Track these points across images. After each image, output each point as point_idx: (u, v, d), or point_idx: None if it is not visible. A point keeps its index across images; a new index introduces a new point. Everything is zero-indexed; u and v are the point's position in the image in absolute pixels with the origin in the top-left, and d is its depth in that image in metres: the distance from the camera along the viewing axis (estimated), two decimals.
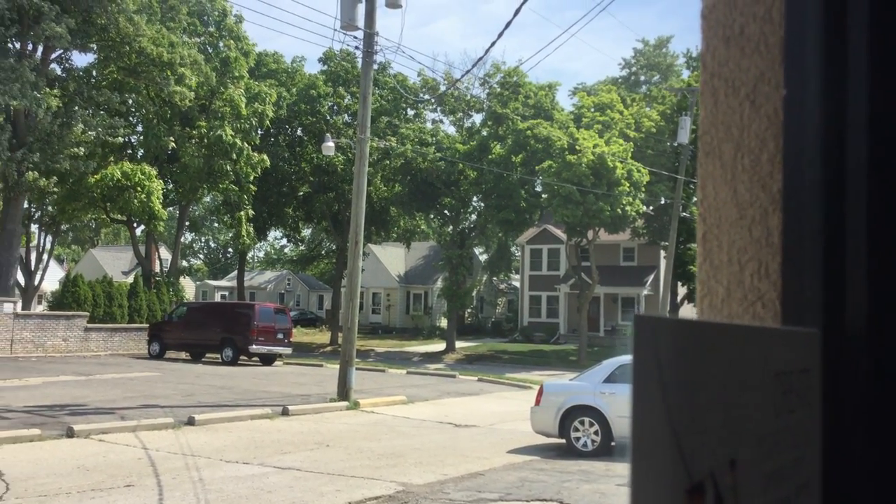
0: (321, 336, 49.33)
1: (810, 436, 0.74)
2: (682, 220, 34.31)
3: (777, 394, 0.66)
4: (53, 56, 33.40)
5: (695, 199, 40.40)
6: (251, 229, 41.67)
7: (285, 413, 16.58)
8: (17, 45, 31.71)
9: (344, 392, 18.61)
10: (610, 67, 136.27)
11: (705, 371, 0.57)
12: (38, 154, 30.52)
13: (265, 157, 39.67)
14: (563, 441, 13.46)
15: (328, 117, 43.78)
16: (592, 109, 37.72)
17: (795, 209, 0.84)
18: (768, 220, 0.87)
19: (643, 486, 0.50)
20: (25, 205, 36.44)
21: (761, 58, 0.89)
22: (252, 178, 39.45)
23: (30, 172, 30.74)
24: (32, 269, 44.91)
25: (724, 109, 0.92)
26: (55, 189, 34.53)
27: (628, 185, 32.99)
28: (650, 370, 0.51)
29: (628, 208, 33.23)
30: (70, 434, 12.93)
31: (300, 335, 44.06)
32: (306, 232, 58.18)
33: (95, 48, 34.42)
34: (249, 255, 65.61)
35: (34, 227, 46.48)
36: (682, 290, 40.87)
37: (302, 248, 61.08)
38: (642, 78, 66.46)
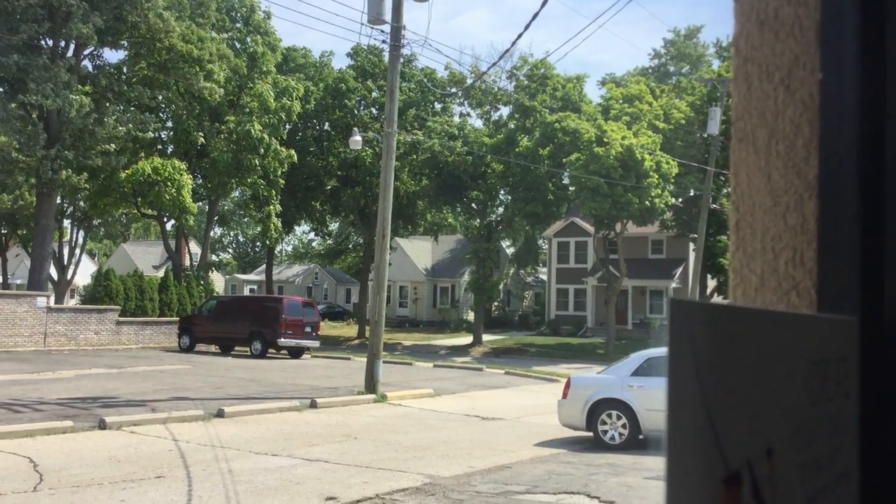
0: (348, 329, 49.59)
1: (848, 425, 0.72)
2: (712, 212, 33.96)
3: (813, 382, 0.65)
4: (85, 53, 33.82)
5: (725, 190, 40.24)
6: (279, 223, 41.94)
7: (313, 406, 16.69)
8: (50, 43, 32.15)
9: (371, 385, 18.69)
10: (639, 58, 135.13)
11: (741, 357, 0.56)
12: (72, 152, 30.96)
13: (293, 152, 39.89)
14: (591, 434, 13.41)
15: (356, 111, 43.92)
16: (621, 101, 37.44)
17: (832, 196, 0.82)
18: (804, 207, 0.86)
19: (679, 474, 0.49)
20: (58, 200, 37.00)
21: (796, 42, 0.87)
22: (280, 172, 39.69)
23: (64, 171, 31.22)
24: (65, 263, 45.64)
25: (758, 95, 0.91)
26: (87, 185, 35.01)
27: (657, 177, 32.72)
28: (686, 355, 0.50)
29: (657, 200, 32.96)
30: (102, 426, 13.12)
31: (328, 328, 44.32)
32: (333, 226, 58.43)
33: (126, 45, 34.80)
34: (277, 249, 66.11)
35: (66, 223, 47.23)
36: (711, 283, 40.50)
37: (329, 242, 61.37)
38: (672, 69, 65.84)
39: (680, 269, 43.79)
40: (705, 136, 33.87)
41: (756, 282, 0.89)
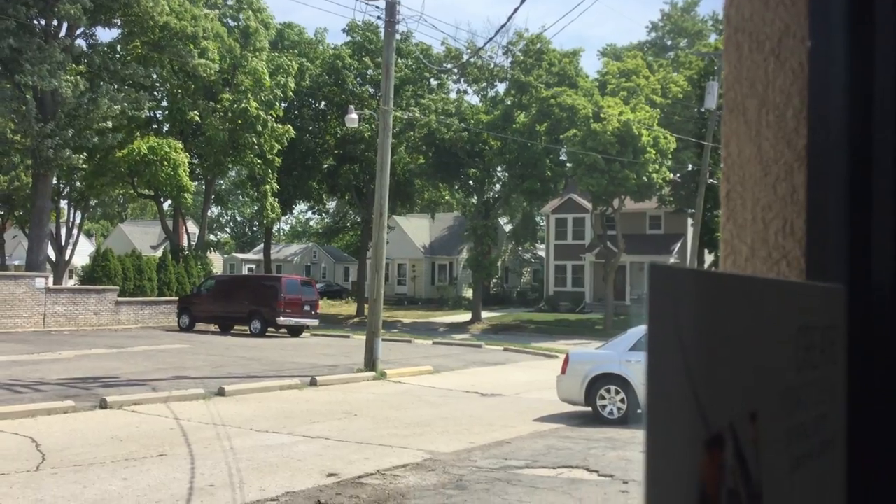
0: (347, 307, 49.68)
1: (835, 392, 0.73)
2: (710, 187, 33.93)
3: (799, 348, 0.66)
4: (78, 32, 33.56)
5: (722, 165, 40.21)
6: (276, 203, 41.87)
7: (313, 383, 16.77)
8: (43, 23, 31.89)
9: (371, 362, 18.77)
10: (636, 32, 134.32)
11: (725, 323, 0.56)
12: (71, 131, 30.84)
13: (289, 127, 39.73)
14: (589, 409, 13.50)
15: (353, 88, 43.69)
16: (618, 76, 37.25)
17: (821, 165, 0.82)
18: (794, 176, 0.86)
19: (659, 439, 0.50)
20: (54, 181, 36.88)
21: (786, 10, 0.87)
22: (276, 150, 39.56)
23: (67, 150, 31.11)
24: (63, 244, 45.59)
25: (748, 65, 0.90)
26: (84, 165, 34.90)
27: (654, 152, 32.64)
28: (666, 319, 0.51)
29: (654, 176, 32.91)
30: (103, 405, 13.19)
31: (326, 307, 44.41)
32: (331, 205, 58.36)
33: (119, 23, 34.53)
34: (275, 228, 66.03)
35: (63, 203, 47.11)
36: (708, 258, 40.55)
37: (327, 220, 61.34)
38: (669, 42, 65.46)
39: (678, 245, 43.82)
40: (703, 110, 33.74)
41: (746, 252, 0.89)
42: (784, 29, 0.88)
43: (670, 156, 33.96)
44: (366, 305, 29.18)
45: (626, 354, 13.31)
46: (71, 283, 45.99)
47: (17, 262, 58.26)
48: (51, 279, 33.51)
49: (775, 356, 0.63)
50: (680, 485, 0.52)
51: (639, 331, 13.91)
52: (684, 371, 0.52)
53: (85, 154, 33.37)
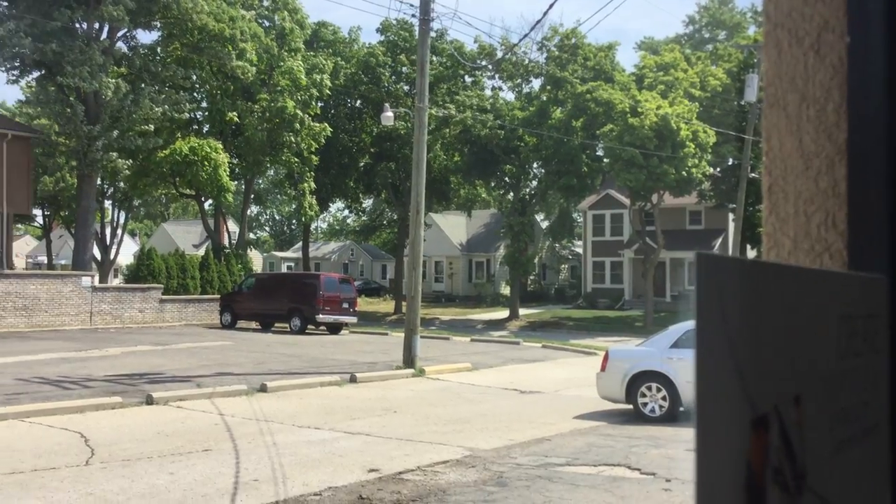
0: (385, 305, 49.93)
1: (877, 380, 0.74)
2: (751, 181, 33.41)
3: (842, 336, 0.67)
4: (119, 35, 34.20)
5: (764, 158, 39.39)
6: (314, 201, 42.23)
7: (353, 380, 16.90)
8: (84, 26, 32.56)
9: (409, 359, 18.85)
10: (673, 26, 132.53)
11: (769, 310, 0.59)
12: (116, 133, 31.50)
13: (326, 125, 40.05)
14: (630, 407, 13.40)
15: (387, 86, 43.87)
16: (655, 69, 36.84)
17: (861, 159, 0.83)
18: (835, 170, 0.87)
19: (709, 418, 0.52)
20: (98, 182, 37.66)
21: (825, 6, 0.88)
22: (314, 149, 39.92)
23: (113, 153, 31.80)
24: (108, 243, 46.55)
25: (788, 60, 0.92)
26: (127, 170, 35.60)
27: (694, 146, 32.24)
28: (713, 306, 0.53)
29: (694, 170, 32.50)
30: (149, 401, 13.44)
31: (364, 304, 44.68)
32: (367, 203, 58.71)
33: (159, 25, 35.12)
34: (313, 226, 66.61)
35: (107, 204, 48.09)
36: (751, 254, 39.97)
37: (364, 218, 61.71)
38: (707, 35, 64.58)
39: (719, 240, 43.27)
40: (743, 103, 33.23)
41: (789, 245, 0.91)
42: (823, 24, 0.89)
43: (710, 150, 33.51)
44: (404, 303, 29.32)
45: (667, 351, 13.19)
46: (116, 281, 46.94)
47: (63, 262, 59.64)
48: (97, 278, 34.22)
49: (818, 343, 0.65)
50: (728, 462, 0.54)
51: (680, 328, 13.78)
52: (731, 355, 0.55)
53: (129, 160, 34.08)
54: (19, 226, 62.35)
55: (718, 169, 38.32)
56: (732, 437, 0.54)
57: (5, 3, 31.18)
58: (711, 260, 0.56)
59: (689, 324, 14.03)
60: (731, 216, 38.50)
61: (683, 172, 32.23)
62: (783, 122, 0.92)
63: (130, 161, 34.25)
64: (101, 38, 32.68)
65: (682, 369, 12.87)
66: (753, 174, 34.34)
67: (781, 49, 0.93)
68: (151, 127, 33.71)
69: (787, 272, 0.64)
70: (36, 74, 32.91)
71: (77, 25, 32.13)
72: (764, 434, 0.56)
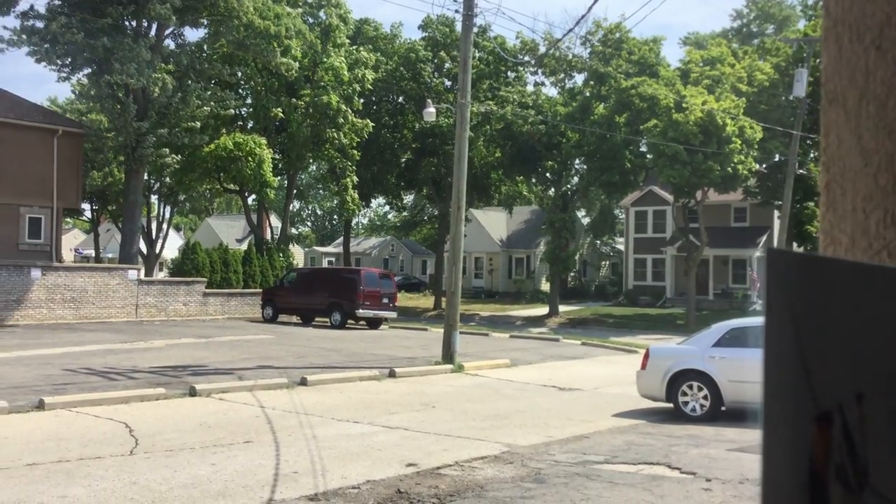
0: (425, 300, 50.07)
1: None
2: (799, 178, 32.79)
3: None
4: (167, 32, 34.77)
5: (812, 154, 38.51)
6: (356, 196, 42.52)
7: (392, 375, 16.99)
8: (133, 24, 33.17)
9: (448, 355, 18.89)
10: (720, 20, 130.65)
11: (834, 306, 0.58)
12: (165, 129, 32.07)
13: (368, 121, 40.28)
14: (671, 405, 13.26)
15: (429, 82, 43.95)
16: (701, 64, 36.33)
17: None
18: (895, 167, 0.86)
19: (775, 412, 0.52)
20: (145, 177, 38.37)
21: (888, 1, 0.87)
22: (356, 143, 40.19)
23: (162, 149, 32.41)
24: (153, 237, 47.41)
25: (848, 56, 0.90)
26: (176, 165, 36.19)
27: (740, 142, 31.74)
28: (781, 302, 0.53)
29: (739, 167, 32.00)
30: (192, 393, 13.68)
31: (404, 300, 44.88)
32: (408, 199, 58.90)
33: (206, 23, 35.62)
34: (354, 221, 67.03)
35: (154, 198, 48.98)
36: (797, 251, 39.22)
37: (405, 214, 61.97)
38: (755, 29, 63.48)
39: (764, 238, 42.56)
40: (791, 98, 32.61)
41: (847, 242, 0.89)
42: (885, 20, 0.88)
43: (756, 146, 32.95)
44: (443, 298, 29.36)
45: (709, 350, 13.03)
46: (161, 275, 47.80)
47: (110, 255, 60.89)
48: (142, 271, 34.88)
49: (881, 340, 0.64)
50: (793, 457, 0.54)
51: (723, 326, 13.61)
52: (797, 350, 0.54)
53: (178, 155, 34.66)
54: (68, 220, 63.84)
55: (765, 165, 37.68)
56: (797, 431, 0.53)
57: (58, 1, 31.90)
58: (780, 256, 0.56)
59: (732, 322, 13.85)
60: (776, 213, 37.84)
61: (729, 169, 31.75)
62: (842, 119, 0.91)
63: (179, 156, 34.84)
64: (149, 36, 33.27)
65: (725, 368, 12.71)
66: (801, 170, 33.70)
67: (841, 45, 0.92)
68: (198, 124, 34.22)
69: (852, 268, 0.63)
70: (86, 71, 33.61)
71: (126, 23, 32.74)
72: (827, 430, 0.56)
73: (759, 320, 14.13)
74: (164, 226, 49.17)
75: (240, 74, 39.16)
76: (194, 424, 11.33)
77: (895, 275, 0.65)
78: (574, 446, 10.62)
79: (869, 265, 0.69)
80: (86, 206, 52.31)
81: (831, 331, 0.59)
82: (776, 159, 37.29)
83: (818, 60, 31.40)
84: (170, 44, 35.46)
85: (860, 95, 0.89)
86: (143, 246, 42.54)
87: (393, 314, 31.22)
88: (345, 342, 23.87)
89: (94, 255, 59.94)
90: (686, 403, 13.08)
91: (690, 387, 13.08)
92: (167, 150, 32.76)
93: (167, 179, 43.66)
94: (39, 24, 31.43)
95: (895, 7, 0.86)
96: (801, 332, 0.56)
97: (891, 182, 0.86)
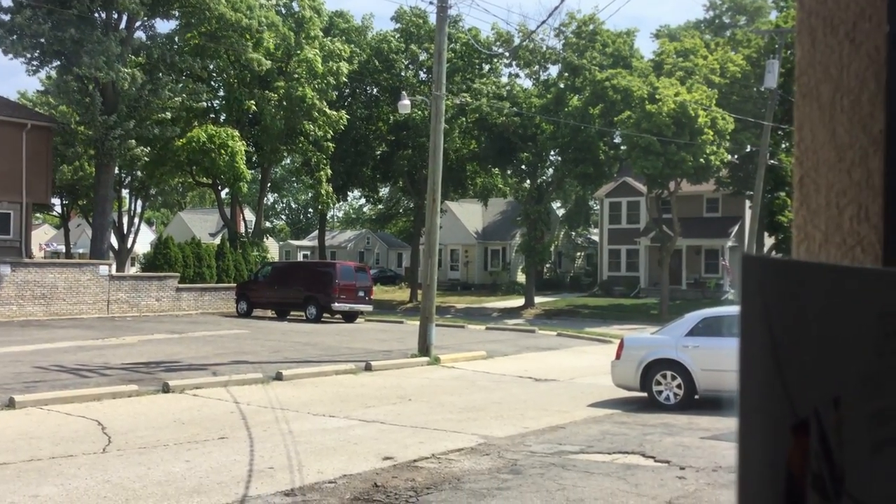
0: (401, 293, 50.02)
1: None
2: (770, 168, 33.12)
3: (880, 335, 0.66)
4: (137, 24, 34.31)
5: (784, 145, 38.78)
6: (330, 189, 42.31)
7: (368, 368, 16.96)
8: (103, 16, 32.68)
9: (424, 348, 18.90)
10: (693, 11, 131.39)
11: (808, 309, 0.57)
12: (133, 122, 31.64)
13: (343, 113, 40.06)
14: (645, 395, 13.38)
15: (402, 74, 43.81)
16: (674, 55, 36.54)
17: None
18: (869, 161, 0.85)
19: (750, 423, 0.51)
20: (116, 171, 37.87)
21: None
22: (329, 136, 39.97)
23: (129, 142, 31.97)
24: (125, 232, 46.87)
25: (823, 49, 0.90)
26: (146, 157, 35.78)
27: (712, 133, 31.99)
28: (756, 308, 0.52)
29: (712, 158, 32.27)
30: (166, 389, 13.55)
31: (380, 293, 44.79)
32: (384, 191, 58.73)
33: (177, 14, 35.18)
34: (329, 214, 66.71)
35: (125, 192, 48.39)
36: (768, 241, 39.70)
37: (380, 206, 61.81)
38: (727, 20, 63.91)
39: (736, 228, 43.00)
40: (762, 89, 32.92)
41: (820, 238, 0.89)
42: (859, 12, 0.87)
43: (728, 137, 33.24)
44: (419, 291, 29.35)
45: (683, 340, 13.15)
46: (133, 270, 47.28)
47: (81, 251, 60.12)
48: (114, 266, 34.47)
49: (857, 342, 0.63)
50: (769, 467, 0.53)
51: (696, 316, 13.73)
52: (773, 357, 0.53)
53: (148, 148, 34.25)
54: (38, 215, 62.90)
55: (736, 156, 38.03)
56: (773, 442, 0.52)
57: None
58: (755, 262, 0.55)
59: (705, 312, 13.98)
60: (748, 203, 38.24)
61: (701, 160, 32.01)
62: (816, 113, 0.90)
63: (148, 149, 34.42)
64: (119, 28, 32.80)
65: (698, 357, 12.84)
66: (772, 161, 34.04)
67: (815, 38, 0.91)
68: (168, 115, 33.82)
69: (825, 272, 0.62)
70: (55, 64, 33.08)
71: (95, 15, 32.24)
72: (804, 439, 0.55)
73: (731, 309, 14.25)
74: (136, 220, 48.61)
75: (212, 66, 38.74)
76: (168, 421, 11.23)
77: (868, 276, 0.64)
78: (550, 437, 10.67)
79: (841, 267, 0.68)
80: (56, 200, 51.57)
81: (807, 335, 0.58)
82: (748, 150, 37.65)
83: (790, 52, 31.70)
84: (140, 36, 35.02)
85: (834, 89, 0.88)
86: (114, 241, 42.03)
87: (369, 307, 31.15)
88: (320, 336, 23.78)
89: (64, 250, 59.16)
90: (660, 392, 13.20)
91: (664, 376, 13.20)
92: (134, 142, 32.29)
93: (138, 173, 43.15)
94: (5, 17, 30.87)
95: (870, 0, 0.86)
96: (777, 339, 0.55)
97: (865, 177, 0.85)
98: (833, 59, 0.89)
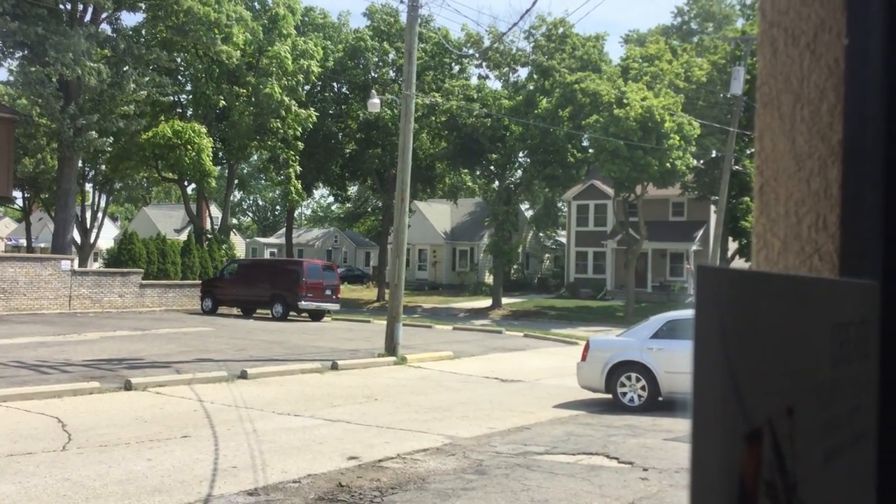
0: (368, 292, 49.87)
1: (868, 386, 0.74)
2: (734, 174, 33.57)
3: (835, 344, 0.67)
4: (104, 16, 33.79)
5: (748, 151, 39.28)
6: (299, 185, 42.05)
7: (334, 367, 16.88)
8: (69, 7, 32.13)
9: (391, 347, 18.86)
10: (662, 17, 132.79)
11: (765, 320, 0.58)
12: (97, 116, 31.12)
13: (312, 111, 39.83)
14: (610, 396, 13.49)
15: (373, 72, 43.68)
16: (640, 60, 36.89)
17: (855, 161, 0.83)
18: (827, 172, 0.86)
19: (704, 431, 0.51)
20: (80, 164, 37.27)
21: (822, 6, 0.87)
22: (299, 133, 39.72)
23: (92, 133, 31.42)
24: (88, 227, 46.16)
25: (784, 59, 0.91)
26: (108, 148, 35.25)
27: (678, 138, 32.35)
28: (711, 318, 0.52)
29: (678, 162, 32.64)
30: (128, 387, 13.37)
31: (347, 292, 44.62)
32: (352, 189, 58.49)
33: (144, 7, 34.72)
34: (297, 212, 66.34)
35: (88, 186, 47.66)
36: (732, 245, 40.25)
37: (348, 205, 61.56)
38: (695, 26, 64.65)
39: (700, 232, 43.53)
40: (728, 95, 33.36)
41: (779, 246, 0.90)
42: (820, 24, 0.88)
43: (694, 142, 33.65)
44: (387, 290, 29.27)
45: (647, 342, 13.27)
46: (96, 265, 46.57)
47: (42, 245, 59.08)
48: (76, 262, 33.91)
49: (812, 352, 0.64)
50: (722, 476, 0.54)
51: (661, 318, 13.87)
52: (727, 367, 0.54)
53: (111, 138, 33.70)
54: None
55: (702, 161, 38.51)
56: (726, 450, 0.53)
57: None
58: (711, 272, 0.56)
59: (670, 315, 14.13)
60: (713, 208, 38.72)
61: (667, 164, 32.36)
62: (776, 123, 0.91)
63: (111, 139, 33.87)
64: (86, 21, 32.27)
65: (662, 359, 12.97)
66: (737, 167, 34.52)
67: (777, 48, 0.92)
68: (132, 108, 33.33)
69: (782, 282, 0.63)
70: (18, 55, 32.45)
71: (61, 7, 31.70)
72: (757, 448, 0.56)
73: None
74: (99, 215, 47.91)
75: (179, 60, 38.28)
76: (130, 419, 11.08)
77: (823, 286, 0.65)
78: (515, 437, 10.71)
79: (797, 277, 0.69)
80: (17, 193, 50.60)
81: (762, 346, 0.59)
82: (713, 155, 38.15)
83: (756, 59, 32.16)
84: (106, 28, 34.48)
85: (794, 99, 0.89)
86: (77, 236, 41.36)
87: (336, 306, 31.01)
88: (286, 334, 23.62)
89: (25, 244, 58.08)
90: (624, 394, 13.32)
91: (629, 378, 13.32)
92: (95, 133, 31.73)
93: (103, 167, 42.50)
94: None
95: (829, 11, 0.87)
96: (731, 348, 0.55)
97: (823, 187, 0.86)
98: (794, 70, 0.90)
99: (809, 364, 0.63)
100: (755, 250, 0.94)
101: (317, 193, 58.96)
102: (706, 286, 0.55)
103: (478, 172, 45.65)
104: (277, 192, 52.19)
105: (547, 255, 61.38)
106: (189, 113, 40.52)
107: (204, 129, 36.41)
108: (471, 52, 41.85)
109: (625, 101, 32.32)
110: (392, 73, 43.83)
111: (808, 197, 0.88)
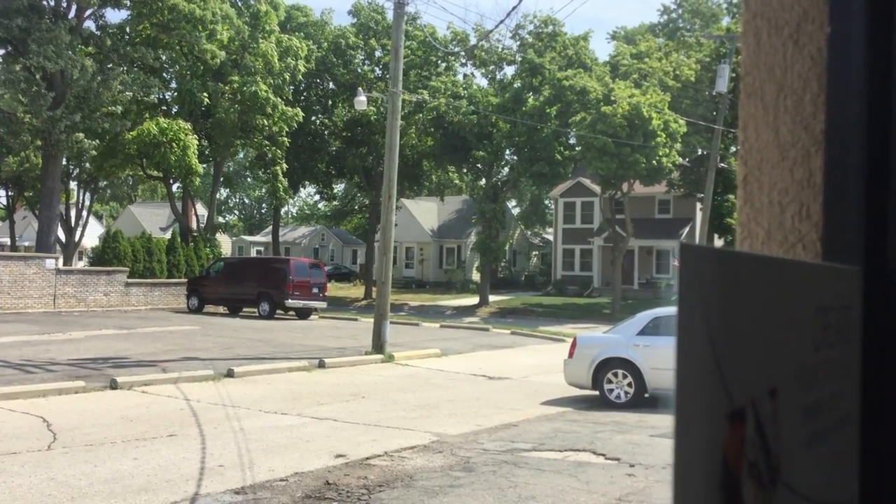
0: (355, 290, 49.81)
1: (850, 371, 0.75)
2: (720, 172, 33.76)
3: (817, 328, 0.67)
4: (87, 13, 33.54)
5: (733, 149, 39.57)
6: (286, 183, 41.92)
7: (321, 366, 16.85)
8: (52, 3, 31.87)
9: (378, 345, 18.84)
10: (648, 15, 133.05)
11: (748, 301, 0.58)
12: (79, 114, 30.88)
13: (299, 110, 39.71)
14: (597, 393, 13.53)
15: (359, 70, 43.61)
16: (629, 58, 37.01)
17: (838, 149, 0.83)
18: (810, 161, 0.87)
19: (687, 411, 0.52)
20: (64, 162, 36.98)
21: None
22: (285, 132, 39.60)
23: (76, 134, 31.18)
24: (73, 225, 45.85)
25: (767, 50, 0.91)
26: (93, 151, 34.99)
27: (665, 136, 32.48)
28: (695, 297, 0.53)
29: (664, 160, 32.77)
30: (113, 386, 13.29)
31: (334, 290, 44.53)
32: (339, 187, 58.39)
33: (129, 4, 34.50)
34: (283, 210, 66.11)
35: (73, 185, 47.32)
36: (718, 243, 40.46)
37: (335, 203, 61.42)
38: (681, 24, 64.87)
39: (687, 229, 43.72)
40: (714, 93, 33.52)
41: (763, 235, 0.91)
42: (803, 14, 0.89)
43: (680, 140, 33.80)
44: (374, 288, 29.25)
45: (634, 339, 13.33)
46: (81, 264, 46.28)
47: (27, 244, 58.59)
48: (61, 260, 33.68)
49: (794, 335, 0.65)
50: (705, 455, 0.54)
51: (647, 315, 13.93)
52: (710, 346, 0.54)
53: (97, 140, 33.47)
54: None
55: (688, 159, 38.68)
56: (710, 429, 0.53)
57: None
58: (693, 250, 0.56)
59: (656, 311, 14.18)
60: (699, 206, 38.91)
61: (654, 161, 32.48)
62: (760, 113, 0.92)
63: (97, 142, 33.65)
64: (69, 17, 32.01)
65: (648, 356, 13.02)
66: (722, 164, 34.70)
67: (760, 38, 0.93)
68: (119, 108, 33.13)
69: (764, 263, 0.64)
70: (2, 52, 32.19)
71: (44, 3, 31.44)
72: (740, 428, 0.56)
73: None
74: (84, 213, 47.59)
75: (164, 58, 38.06)
76: (115, 418, 11.02)
77: (806, 269, 0.66)
78: (503, 434, 10.73)
79: (778, 259, 0.70)
80: (1, 192, 50.18)
81: (744, 326, 0.60)
82: (699, 153, 38.33)
83: (741, 57, 32.37)
84: (90, 25, 34.23)
85: (778, 89, 0.90)
86: (61, 234, 41.05)
87: (323, 304, 30.95)
88: (273, 333, 23.56)
89: (9, 243, 57.62)
90: (611, 391, 13.37)
91: (616, 374, 13.37)
92: (81, 135, 31.52)
93: (87, 165, 42.21)
94: None
95: (813, 2, 0.88)
96: (714, 329, 0.56)
97: (806, 176, 0.87)
98: (777, 60, 0.91)
99: (792, 346, 0.64)
100: (739, 240, 0.95)
101: (303, 192, 58.80)
102: (689, 264, 0.55)
103: (465, 170, 45.68)
104: (264, 189, 51.99)
105: (534, 253, 61.50)
106: (174, 110, 40.30)
107: (189, 127, 36.24)
108: (457, 49, 41.84)
109: (612, 98, 32.42)
110: (378, 71, 43.78)
111: (791, 186, 0.89)
